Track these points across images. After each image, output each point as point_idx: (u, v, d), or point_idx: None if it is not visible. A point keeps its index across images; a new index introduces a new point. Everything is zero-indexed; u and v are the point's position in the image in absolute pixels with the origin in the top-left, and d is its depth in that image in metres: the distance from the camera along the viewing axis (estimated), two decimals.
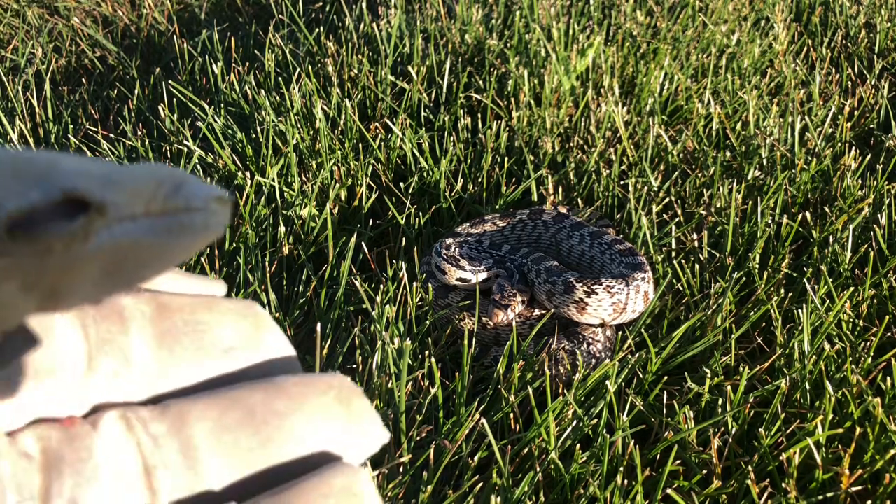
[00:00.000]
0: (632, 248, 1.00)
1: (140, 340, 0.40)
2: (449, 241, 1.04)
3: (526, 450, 0.78)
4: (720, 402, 0.83)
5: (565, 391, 0.84)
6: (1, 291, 0.25)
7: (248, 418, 0.43)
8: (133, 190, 0.26)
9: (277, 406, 0.44)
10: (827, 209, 1.15)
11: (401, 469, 0.76)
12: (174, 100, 1.41)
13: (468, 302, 0.98)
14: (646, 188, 1.17)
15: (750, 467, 0.76)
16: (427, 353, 0.87)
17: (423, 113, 1.39)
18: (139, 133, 1.34)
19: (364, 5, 1.67)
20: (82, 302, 0.29)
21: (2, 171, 0.27)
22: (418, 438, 0.79)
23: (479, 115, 1.38)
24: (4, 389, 0.33)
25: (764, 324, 0.98)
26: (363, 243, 1.06)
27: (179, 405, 0.43)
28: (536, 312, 0.98)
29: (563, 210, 1.17)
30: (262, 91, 1.39)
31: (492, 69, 1.50)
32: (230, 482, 0.41)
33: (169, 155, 1.30)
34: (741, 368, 0.84)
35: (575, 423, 0.80)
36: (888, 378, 0.84)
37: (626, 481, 0.75)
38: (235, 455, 0.42)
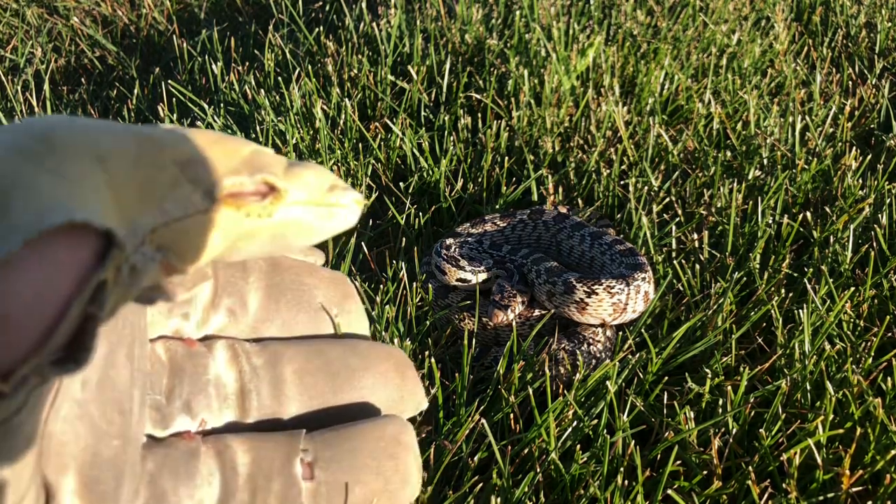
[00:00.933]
0: (632, 249, 1.00)
1: (255, 288, 0.52)
2: (449, 241, 1.04)
3: (526, 450, 0.78)
4: (721, 402, 0.83)
5: (565, 391, 0.84)
6: (211, 236, 0.38)
7: (326, 367, 0.53)
8: (304, 184, 0.39)
9: (351, 362, 0.53)
10: (827, 209, 1.15)
11: None
12: (174, 99, 1.41)
13: (468, 302, 0.98)
14: (646, 188, 1.17)
15: (750, 468, 0.76)
16: (427, 353, 0.87)
17: (423, 113, 1.39)
18: None
19: (364, 5, 1.67)
20: (251, 255, 0.41)
21: (219, 151, 0.38)
22: (418, 438, 0.79)
23: (479, 114, 1.37)
24: (154, 306, 0.45)
25: (764, 324, 0.98)
26: (363, 243, 1.06)
27: (276, 346, 0.52)
28: (536, 313, 0.98)
29: (563, 210, 1.16)
30: (262, 91, 1.39)
31: (492, 69, 1.50)
32: (304, 414, 0.51)
33: None
34: (742, 369, 0.84)
35: (575, 423, 0.80)
36: (889, 378, 0.84)
37: (626, 482, 0.75)
38: (312, 394, 0.52)
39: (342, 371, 0.53)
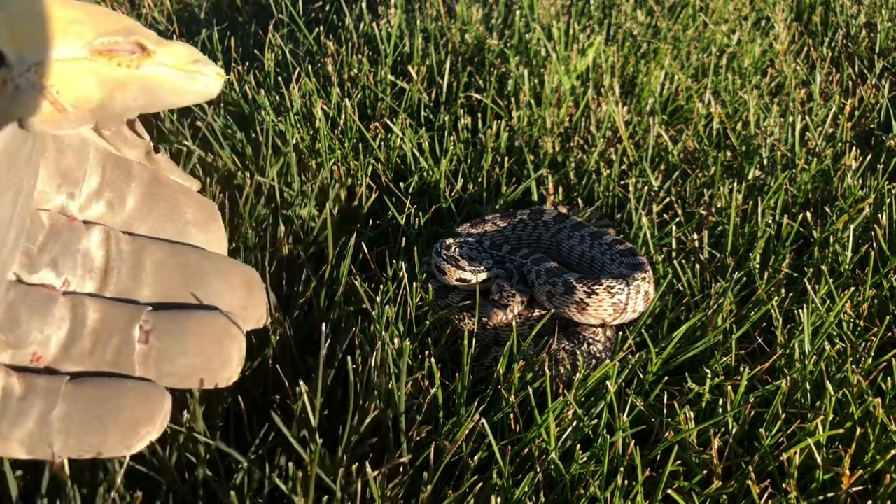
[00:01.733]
0: (632, 249, 0.99)
1: (134, 192, 0.62)
2: (449, 241, 1.04)
3: (526, 450, 0.78)
4: (720, 402, 0.83)
5: (565, 391, 0.84)
6: (88, 79, 0.51)
7: (182, 266, 0.64)
8: (172, 52, 0.54)
9: (205, 267, 0.65)
10: (827, 209, 1.15)
11: (401, 469, 0.76)
12: None
13: (468, 302, 0.98)
14: (646, 188, 1.17)
15: (750, 467, 0.76)
16: (427, 353, 0.87)
17: (423, 113, 1.39)
18: None
19: (364, 5, 1.67)
20: (126, 107, 0.52)
21: (103, 16, 0.51)
22: (418, 438, 0.79)
23: (479, 114, 1.37)
24: (42, 179, 0.55)
25: (764, 324, 0.98)
26: (363, 243, 1.06)
27: (143, 240, 0.63)
28: (536, 313, 0.98)
29: (563, 210, 1.16)
30: (262, 91, 1.39)
31: (492, 69, 1.50)
32: (154, 300, 0.63)
33: (168, 154, 1.30)
34: (742, 369, 0.84)
35: (575, 423, 0.80)
36: (889, 378, 0.84)
37: (626, 482, 0.75)
38: (165, 285, 0.64)
39: (196, 273, 0.64)
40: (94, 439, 0.58)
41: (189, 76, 0.54)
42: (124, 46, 0.51)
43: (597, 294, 0.92)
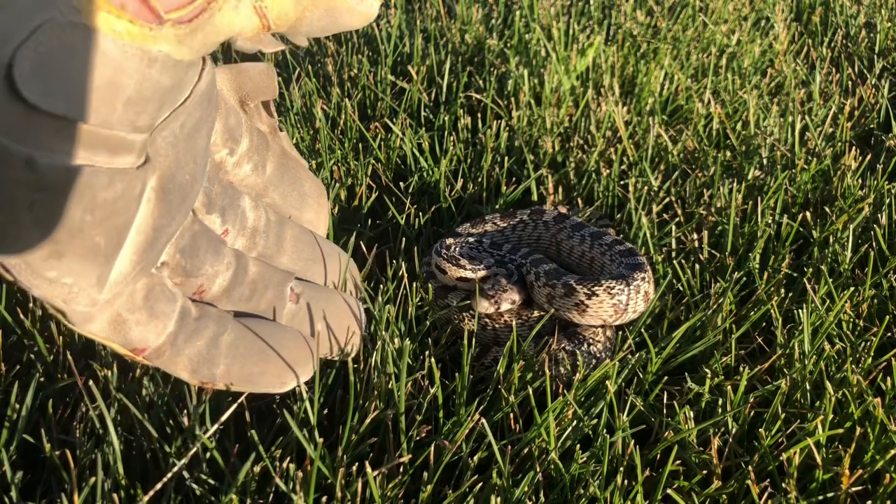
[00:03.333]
0: (632, 249, 0.99)
1: (271, 160, 0.72)
2: (449, 241, 1.04)
3: (526, 450, 0.78)
4: (720, 402, 0.83)
5: (565, 391, 0.84)
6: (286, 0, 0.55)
7: (311, 245, 0.75)
8: None
9: (326, 249, 0.77)
10: (827, 209, 1.15)
11: (400, 469, 0.76)
12: None
13: (467, 302, 0.98)
14: (646, 188, 1.17)
15: (750, 467, 0.76)
16: (427, 353, 0.87)
17: (423, 113, 1.39)
18: None
19: None
20: (309, 30, 0.56)
21: None
22: (418, 438, 0.79)
23: (479, 114, 1.38)
24: (215, 131, 0.64)
25: (764, 324, 0.98)
26: (363, 243, 1.06)
27: (283, 215, 0.74)
28: (536, 313, 0.98)
29: (563, 210, 1.17)
30: None
31: (492, 69, 1.50)
32: (291, 266, 0.73)
33: None
34: (741, 368, 0.84)
35: (575, 423, 0.80)
36: (888, 378, 0.84)
37: (626, 481, 0.75)
38: (300, 256, 0.73)
39: (323, 253, 0.74)
40: (255, 368, 0.63)
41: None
42: None
43: (597, 295, 0.92)
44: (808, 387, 0.84)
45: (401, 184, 1.23)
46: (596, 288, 0.91)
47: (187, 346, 0.61)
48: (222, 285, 0.64)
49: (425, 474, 0.75)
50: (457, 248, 1.03)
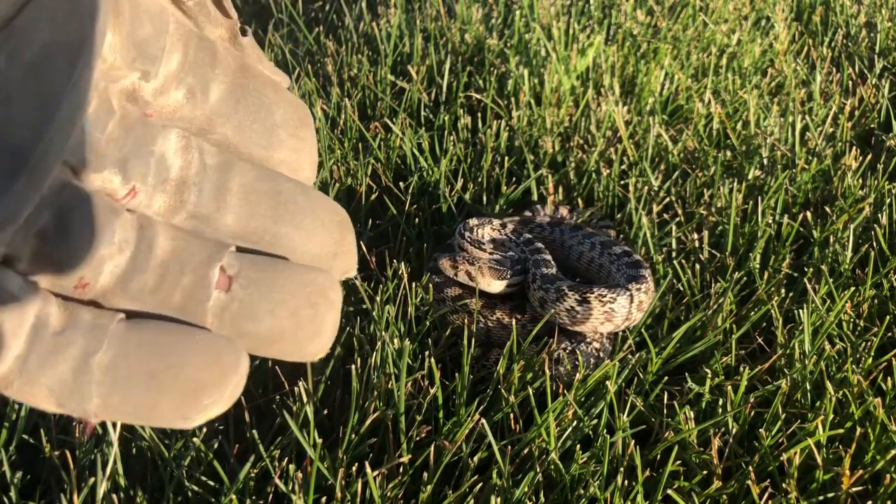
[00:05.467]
0: (639, 261, 0.99)
1: (220, 81, 0.47)
2: (472, 221, 1.05)
3: (526, 450, 0.78)
4: (721, 402, 0.83)
5: (565, 391, 0.84)
6: None
7: (274, 193, 0.49)
8: None
9: (299, 200, 0.48)
10: (827, 209, 1.14)
11: (400, 469, 0.76)
12: None
13: (466, 301, 0.98)
14: (646, 188, 1.17)
15: (750, 468, 0.76)
16: (427, 353, 0.87)
17: (422, 112, 1.39)
18: None
19: (364, 5, 1.67)
20: None
21: None
22: (418, 438, 0.79)
23: (480, 114, 1.37)
24: (112, 48, 0.40)
25: (764, 324, 0.98)
26: (363, 243, 1.06)
27: (231, 155, 0.47)
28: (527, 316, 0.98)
29: (564, 211, 1.17)
30: None
31: (492, 69, 1.50)
32: (237, 230, 0.46)
33: None
34: (742, 369, 0.84)
35: (575, 423, 0.80)
36: (889, 378, 0.84)
37: (626, 482, 0.74)
38: (252, 213, 0.47)
39: (288, 204, 0.50)
40: (143, 399, 0.45)
41: None
42: None
43: (588, 302, 0.91)
44: (808, 387, 0.84)
45: (401, 183, 1.23)
46: (588, 295, 0.91)
47: (44, 372, 0.44)
48: (115, 274, 0.46)
49: (425, 474, 0.75)
50: (480, 231, 1.05)
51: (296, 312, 0.47)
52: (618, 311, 0.92)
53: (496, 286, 0.98)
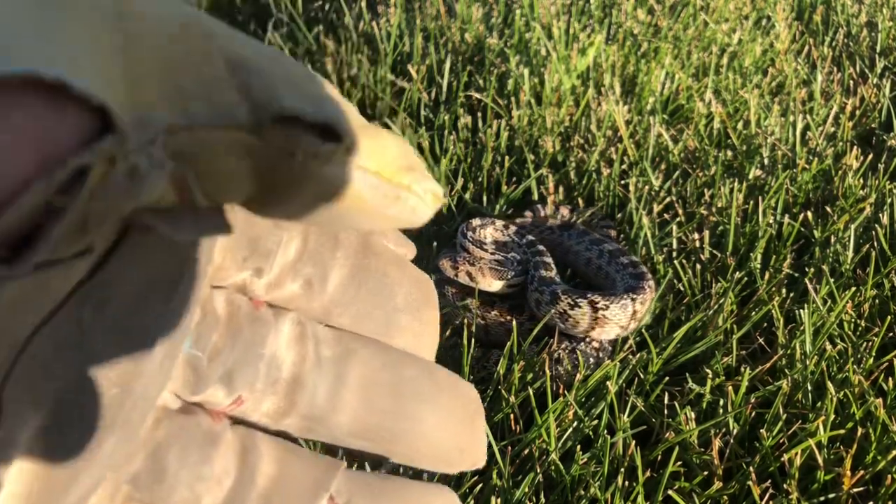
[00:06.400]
0: (643, 273, 0.98)
1: (341, 265, 0.40)
2: (475, 221, 1.05)
3: (526, 451, 0.78)
4: (721, 402, 0.83)
5: (566, 392, 0.83)
6: (236, 163, 0.27)
7: (395, 385, 0.42)
8: (379, 149, 0.29)
9: (423, 389, 0.42)
10: (828, 209, 1.14)
11: (401, 469, 0.76)
12: None
13: (467, 301, 0.97)
14: (647, 188, 1.17)
15: (751, 468, 0.75)
16: None
17: (422, 112, 1.38)
18: None
19: (363, 4, 1.67)
20: (285, 215, 0.31)
21: (282, 69, 0.27)
22: None
23: (480, 114, 1.37)
24: (222, 250, 0.35)
25: (765, 324, 0.98)
26: None
27: (350, 342, 0.41)
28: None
29: (564, 211, 1.16)
30: None
31: (492, 68, 1.50)
32: (353, 429, 0.40)
33: None
34: (742, 369, 0.83)
35: (575, 423, 0.79)
36: (890, 378, 0.84)
37: (626, 482, 0.74)
38: (371, 410, 0.41)
39: (411, 396, 0.43)
40: None
41: (394, 194, 0.32)
42: (308, 120, 0.29)
43: (579, 307, 0.91)
44: (809, 387, 0.84)
45: None
46: (579, 300, 0.91)
47: None
48: None
49: (425, 475, 0.75)
50: (482, 231, 1.05)
51: None
52: (611, 319, 0.91)
53: (496, 286, 0.98)
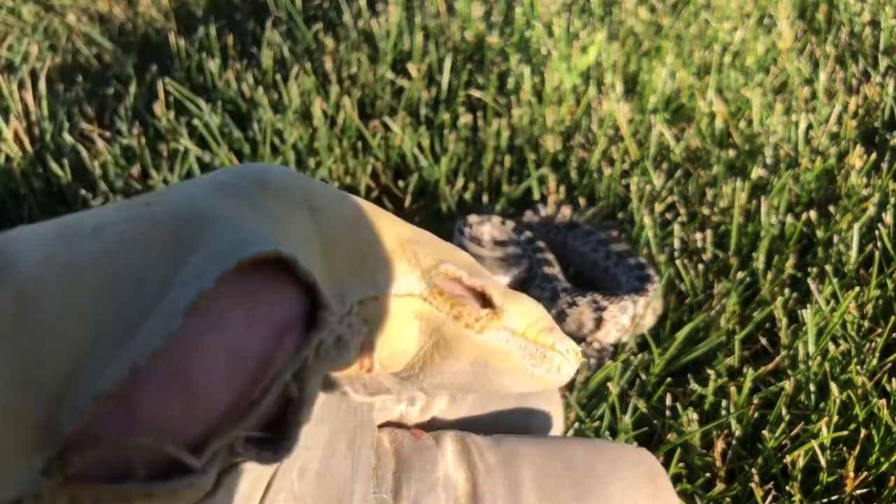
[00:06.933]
0: (649, 276, 0.98)
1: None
2: (472, 218, 1.04)
3: None
4: (724, 403, 0.82)
5: (567, 393, 0.83)
6: (415, 329, 0.31)
7: (567, 470, 0.44)
8: (523, 311, 0.33)
9: (596, 466, 0.45)
10: (831, 208, 1.14)
11: None
12: (170, 98, 1.40)
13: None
14: (648, 187, 1.16)
15: (754, 470, 0.75)
16: None
17: (422, 111, 1.38)
18: (135, 132, 1.32)
19: (363, 2, 1.66)
20: (439, 381, 0.34)
21: (430, 240, 0.32)
22: None
23: (480, 113, 1.36)
24: (379, 388, 0.37)
25: (768, 324, 0.97)
26: None
27: (510, 443, 0.44)
28: None
29: (566, 210, 1.16)
30: (260, 88, 1.38)
31: (492, 66, 1.49)
32: None
33: (166, 153, 1.29)
34: (745, 370, 0.83)
35: (577, 425, 0.79)
36: (894, 379, 0.83)
37: None
38: (553, 501, 0.43)
39: (587, 476, 0.44)
40: None
41: (539, 354, 0.34)
42: (467, 284, 0.32)
43: (577, 306, 0.91)
44: (812, 388, 0.83)
45: (400, 183, 1.22)
46: (578, 298, 0.91)
47: None
48: None
49: None
50: (481, 228, 1.03)
51: None
52: (608, 320, 0.91)
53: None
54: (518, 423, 0.48)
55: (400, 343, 0.31)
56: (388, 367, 0.32)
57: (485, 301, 0.33)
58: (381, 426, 0.44)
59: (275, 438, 0.24)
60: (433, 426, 0.46)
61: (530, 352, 0.34)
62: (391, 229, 0.31)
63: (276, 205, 0.26)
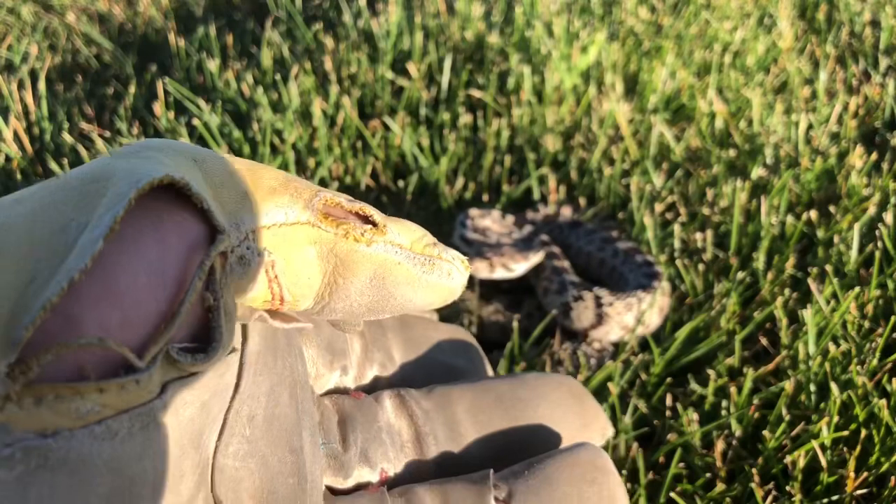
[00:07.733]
0: (657, 273, 0.97)
1: (395, 343, 0.52)
2: (474, 211, 1.04)
3: None
4: (724, 404, 0.82)
5: None
6: (312, 254, 0.35)
7: (497, 402, 0.50)
8: (404, 228, 0.38)
9: (521, 394, 0.50)
10: (831, 208, 1.13)
11: None
12: (170, 98, 1.40)
13: (466, 300, 0.97)
14: (648, 187, 1.16)
15: (754, 470, 0.75)
16: None
17: (422, 110, 1.37)
18: (135, 132, 1.32)
19: (363, 2, 1.66)
20: (349, 303, 0.38)
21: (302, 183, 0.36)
22: None
23: (480, 112, 1.36)
24: (311, 361, 0.44)
25: (768, 325, 0.97)
26: None
27: (441, 389, 0.49)
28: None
29: (566, 210, 1.16)
30: (260, 87, 1.38)
31: (492, 66, 1.49)
32: (484, 451, 0.48)
33: None
34: (745, 370, 0.83)
35: None
36: (894, 380, 0.83)
37: (629, 484, 0.74)
38: (489, 430, 0.49)
39: (515, 403, 0.50)
40: None
41: (429, 263, 0.39)
42: (351, 213, 0.37)
43: (582, 300, 0.90)
44: (812, 388, 0.83)
45: (399, 182, 1.21)
46: (584, 292, 0.90)
47: None
48: None
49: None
50: (481, 221, 1.03)
51: (581, 497, 0.45)
52: (612, 317, 0.91)
53: (523, 267, 0.96)
54: (448, 379, 0.54)
55: (304, 270, 0.36)
56: (298, 299, 0.37)
57: (367, 222, 0.38)
58: (321, 395, 0.49)
59: (205, 348, 0.29)
60: (370, 392, 0.51)
61: (420, 261, 0.38)
62: (269, 172, 0.36)
63: (165, 155, 0.32)
